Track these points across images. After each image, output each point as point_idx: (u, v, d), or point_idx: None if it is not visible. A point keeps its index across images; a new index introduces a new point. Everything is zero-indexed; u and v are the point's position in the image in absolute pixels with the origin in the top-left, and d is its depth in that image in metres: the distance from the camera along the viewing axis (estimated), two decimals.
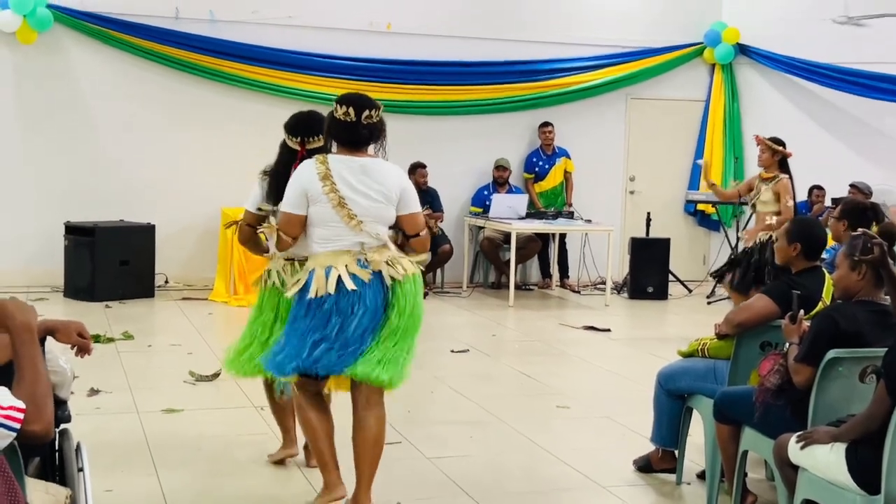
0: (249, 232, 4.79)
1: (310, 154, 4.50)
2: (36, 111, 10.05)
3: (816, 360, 3.78)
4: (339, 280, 4.05)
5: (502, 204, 10.70)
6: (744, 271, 7.67)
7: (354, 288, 4.04)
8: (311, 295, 4.08)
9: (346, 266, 4.08)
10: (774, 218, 7.69)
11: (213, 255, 10.20)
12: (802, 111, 12.01)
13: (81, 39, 10.13)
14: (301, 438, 5.00)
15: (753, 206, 8.06)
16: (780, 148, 7.70)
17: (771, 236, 7.67)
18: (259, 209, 4.66)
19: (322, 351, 4.05)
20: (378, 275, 4.11)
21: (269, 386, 4.91)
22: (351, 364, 4.05)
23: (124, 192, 10.19)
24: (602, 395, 6.65)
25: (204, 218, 10.42)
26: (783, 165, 7.74)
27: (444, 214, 10.97)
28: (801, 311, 4.07)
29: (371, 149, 4.24)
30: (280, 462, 4.99)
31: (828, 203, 10.98)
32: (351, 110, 4.11)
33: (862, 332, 3.80)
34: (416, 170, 10.67)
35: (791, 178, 7.73)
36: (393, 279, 4.12)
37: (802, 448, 3.59)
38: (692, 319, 9.78)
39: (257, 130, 10.17)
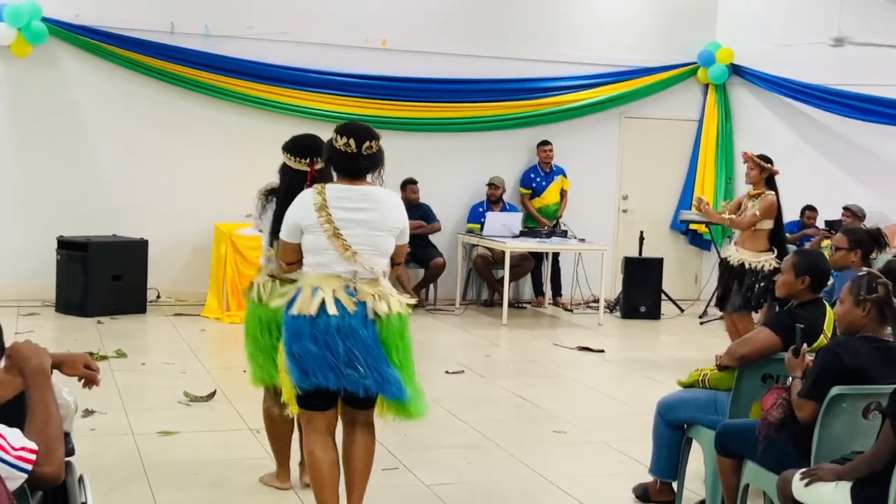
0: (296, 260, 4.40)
1: (319, 173, 4.52)
2: (29, 125, 10.01)
3: (820, 396, 3.78)
4: (323, 303, 4.03)
5: (496, 222, 10.70)
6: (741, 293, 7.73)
7: (335, 313, 4.01)
8: (294, 311, 4.06)
9: (332, 290, 4.05)
10: (728, 214, 7.78)
11: (206, 270, 10.16)
12: (795, 132, 12.07)
13: (76, 53, 10.10)
14: (294, 470, 5.02)
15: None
16: (768, 165, 7.73)
17: (763, 267, 7.67)
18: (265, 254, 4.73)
19: (333, 372, 4.02)
20: (362, 307, 4.07)
21: (269, 412, 4.90)
22: (396, 387, 4.07)
23: (117, 207, 10.16)
24: (598, 419, 6.64)
25: (197, 233, 10.39)
26: (770, 183, 7.77)
27: (440, 224, 10.97)
28: (805, 345, 4.07)
29: (370, 177, 4.24)
30: (278, 489, 4.98)
31: (820, 225, 11.04)
32: (352, 141, 4.10)
33: (866, 368, 3.80)
34: (407, 186, 10.67)
35: (777, 195, 7.75)
36: (377, 314, 4.08)
37: (807, 485, 3.59)
38: (686, 340, 9.81)
39: (251, 146, 10.18)
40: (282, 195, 4.59)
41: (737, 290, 7.70)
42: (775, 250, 7.70)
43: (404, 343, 4.15)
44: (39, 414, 2.49)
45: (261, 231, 4.83)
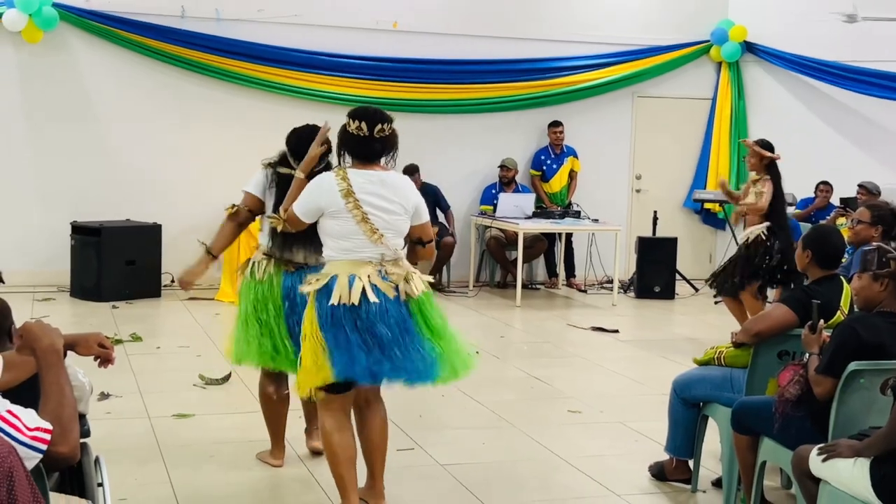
0: (247, 216, 4.83)
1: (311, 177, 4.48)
2: (41, 110, 10.02)
3: (838, 372, 3.75)
4: (363, 292, 4.05)
5: (509, 203, 10.67)
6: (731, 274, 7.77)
7: (377, 300, 4.04)
8: (334, 301, 4.05)
9: (368, 276, 4.08)
10: (745, 205, 7.75)
11: (220, 254, 10.13)
12: (809, 109, 11.98)
13: (87, 38, 10.10)
14: (301, 447, 5.09)
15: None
16: (767, 152, 7.69)
17: (748, 238, 7.69)
18: (269, 217, 4.67)
19: (374, 363, 4.03)
20: (395, 289, 4.12)
21: (264, 391, 4.96)
22: (426, 372, 4.12)
23: (130, 192, 10.17)
24: (613, 399, 6.63)
25: (210, 217, 10.30)
26: (771, 169, 7.72)
27: (452, 211, 10.96)
28: (822, 321, 4.05)
29: (383, 160, 4.27)
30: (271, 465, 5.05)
31: (835, 202, 10.96)
32: (364, 125, 4.14)
33: (884, 343, 3.77)
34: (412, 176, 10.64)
35: (779, 180, 7.70)
36: (408, 295, 4.14)
37: (824, 461, 3.57)
38: (700, 320, 9.78)
39: (263, 129, 10.11)
40: (284, 178, 4.66)
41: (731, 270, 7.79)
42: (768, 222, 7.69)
43: (438, 312, 4.23)
44: (53, 394, 2.49)
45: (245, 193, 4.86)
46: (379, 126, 4.15)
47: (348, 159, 4.22)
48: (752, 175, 7.85)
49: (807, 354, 4.02)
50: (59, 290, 9.75)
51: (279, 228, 4.32)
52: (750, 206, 7.72)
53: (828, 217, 10.47)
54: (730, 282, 7.83)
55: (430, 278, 4.36)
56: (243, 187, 4.86)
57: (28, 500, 2.09)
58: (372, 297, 4.04)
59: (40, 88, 10.00)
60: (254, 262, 4.82)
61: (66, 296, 9.63)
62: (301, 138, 4.70)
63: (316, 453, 5.06)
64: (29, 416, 2.40)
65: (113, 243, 9.56)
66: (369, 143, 4.14)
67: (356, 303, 4.02)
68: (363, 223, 4.08)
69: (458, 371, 4.23)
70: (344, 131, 4.19)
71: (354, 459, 4.26)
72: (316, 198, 4.14)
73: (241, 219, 4.88)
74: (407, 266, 4.20)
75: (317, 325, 4.07)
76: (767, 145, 7.77)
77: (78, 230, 9.70)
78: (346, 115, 4.22)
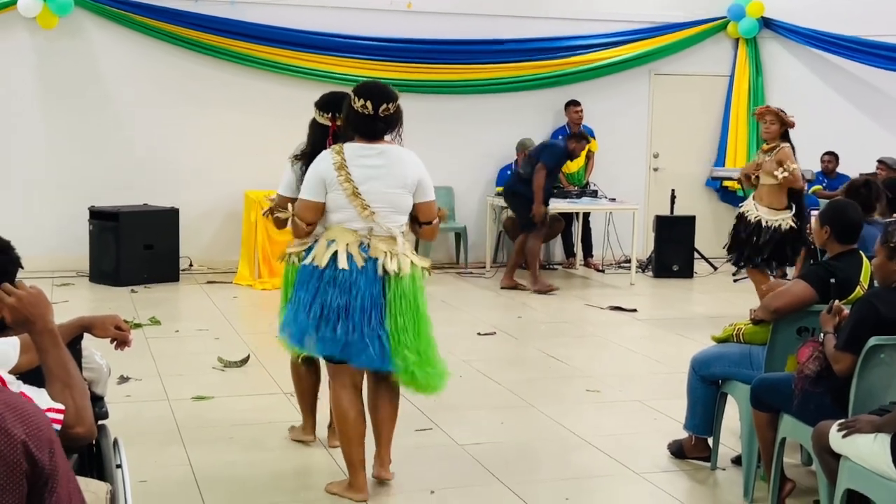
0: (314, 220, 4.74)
1: (340, 129, 4.55)
2: (58, 96, 10.04)
3: (857, 348, 3.73)
4: (334, 255, 4.12)
5: None
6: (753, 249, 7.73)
7: (345, 267, 4.08)
8: (307, 261, 4.18)
9: (346, 245, 4.13)
10: (780, 175, 7.59)
11: (237, 238, 10.19)
12: (827, 85, 11.89)
13: (102, 23, 10.10)
14: (321, 425, 5.07)
15: (756, 178, 7.94)
16: (789, 118, 7.69)
17: (780, 226, 7.63)
18: (279, 211, 4.65)
19: (343, 334, 4.08)
20: (373, 262, 4.12)
21: (296, 366, 4.94)
22: (385, 361, 4.14)
23: (147, 177, 10.19)
24: (631, 378, 6.61)
25: (227, 201, 10.41)
26: (785, 136, 7.72)
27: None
28: (836, 301, 4.02)
29: (388, 137, 4.28)
30: (301, 442, 5.07)
31: (845, 173, 10.87)
32: (369, 104, 4.15)
33: None
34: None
35: (792, 147, 7.69)
36: (386, 272, 4.13)
37: (844, 437, 3.54)
38: (719, 298, 9.73)
39: (279, 112, 10.16)
40: (305, 151, 4.66)
41: (755, 246, 7.70)
42: (794, 207, 7.65)
43: (414, 305, 4.19)
44: (58, 374, 2.45)
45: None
46: (384, 106, 4.17)
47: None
48: (765, 145, 7.82)
49: (823, 333, 3.99)
50: (78, 275, 9.79)
51: (289, 222, 4.35)
52: (789, 181, 7.60)
53: (839, 188, 10.40)
54: (758, 258, 7.76)
55: (427, 262, 4.36)
56: (278, 189, 4.73)
57: (67, 470, 2.10)
58: (341, 264, 4.08)
59: (56, 74, 10.01)
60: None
61: (85, 280, 9.67)
62: (323, 97, 4.76)
63: (337, 447, 5.03)
64: (41, 398, 2.39)
65: (131, 228, 9.59)
66: (374, 121, 4.17)
67: (322, 265, 4.09)
68: (353, 197, 4.11)
69: (420, 385, 4.22)
70: (349, 107, 4.21)
71: (363, 437, 4.32)
72: (315, 172, 4.21)
73: (280, 222, 4.67)
74: (400, 245, 4.19)
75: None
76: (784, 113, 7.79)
77: (96, 215, 9.73)
78: (352, 92, 4.23)
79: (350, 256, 4.10)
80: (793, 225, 7.66)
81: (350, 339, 4.10)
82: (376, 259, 4.13)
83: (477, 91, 11.31)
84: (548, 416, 5.66)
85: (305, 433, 5.09)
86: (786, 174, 7.54)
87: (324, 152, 4.26)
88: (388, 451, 4.48)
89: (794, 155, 7.70)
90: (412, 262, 4.23)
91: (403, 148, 4.27)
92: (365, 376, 4.39)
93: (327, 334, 4.11)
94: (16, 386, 2.38)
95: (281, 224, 4.65)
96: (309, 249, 4.24)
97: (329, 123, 4.65)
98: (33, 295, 2.49)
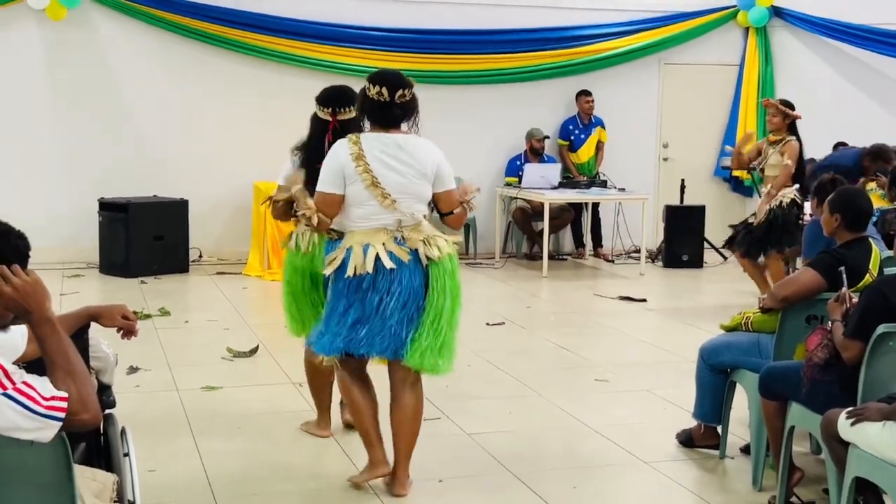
0: (284, 207, 4.75)
1: (341, 125, 4.58)
2: (67, 88, 10.05)
3: (866, 336, 3.71)
4: (377, 258, 4.04)
5: (535, 174, 10.59)
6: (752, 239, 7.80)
7: (393, 266, 4.04)
8: (349, 273, 4.07)
9: (383, 244, 4.08)
10: (770, 186, 7.84)
11: (247, 229, 10.21)
12: (838, 74, 11.82)
13: (111, 15, 10.10)
14: (336, 418, 5.06)
15: (762, 170, 8.01)
16: (791, 111, 7.70)
17: (781, 202, 7.70)
18: (302, 212, 4.63)
19: (366, 334, 4.06)
20: (415, 253, 4.10)
21: (311, 361, 4.92)
22: (404, 350, 4.10)
23: (157, 168, 10.21)
24: (640, 367, 6.60)
25: (237, 192, 10.41)
26: (792, 128, 7.74)
27: None
28: (845, 289, 4.01)
29: (404, 125, 4.22)
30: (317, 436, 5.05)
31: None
32: (384, 90, 4.09)
33: None
34: None
35: (800, 141, 7.74)
36: (429, 258, 4.11)
37: (853, 425, 3.53)
38: (729, 288, 9.71)
39: (288, 103, 10.08)
40: (304, 143, 4.68)
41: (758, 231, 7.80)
42: (798, 185, 7.77)
43: (455, 283, 4.17)
44: (58, 362, 2.45)
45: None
46: (400, 91, 4.10)
47: (368, 125, 4.20)
48: (771, 136, 7.86)
49: (831, 321, 3.97)
50: (88, 266, 9.82)
51: (314, 220, 4.12)
52: (777, 183, 7.74)
53: (859, 182, 10.35)
54: (756, 245, 7.87)
55: (459, 238, 4.32)
56: (278, 180, 4.67)
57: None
58: (388, 264, 4.04)
59: (65, 66, 10.02)
60: (297, 234, 4.75)
61: (95, 272, 9.69)
62: (324, 91, 4.79)
63: (349, 426, 5.00)
64: (44, 386, 2.39)
65: (140, 219, 9.61)
66: (390, 108, 4.10)
67: (369, 270, 4.03)
68: (373, 188, 4.04)
69: (440, 366, 4.12)
70: (364, 96, 4.15)
71: (376, 411, 4.31)
72: (333, 163, 4.12)
73: (278, 211, 4.45)
74: (428, 229, 4.16)
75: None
76: (789, 105, 7.80)
77: (105, 207, 9.75)
78: (367, 80, 4.17)
79: (391, 254, 4.05)
80: (793, 197, 7.74)
81: (374, 335, 4.08)
82: (416, 250, 4.10)
83: (486, 81, 11.28)
84: (556, 406, 5.65)
85: (320, 429, 5.05)
86: (788, 162, 7.64)
87: (339, 142, 4.16)
88: (407, 467, 4.33)
89: (802, 149, 7.75)
90: (446, 241, 4.20)
91: (418, 137, 4.20)
92: (389, 378, 4.33)
93: (360, 335, 4.09)
94: (18, 375, 2.39)
95: (280, 213, 4.46)
96: (344, 264, 4.09)
97: (330, 119, 4.64)
98: (30, 283, 2.46)
